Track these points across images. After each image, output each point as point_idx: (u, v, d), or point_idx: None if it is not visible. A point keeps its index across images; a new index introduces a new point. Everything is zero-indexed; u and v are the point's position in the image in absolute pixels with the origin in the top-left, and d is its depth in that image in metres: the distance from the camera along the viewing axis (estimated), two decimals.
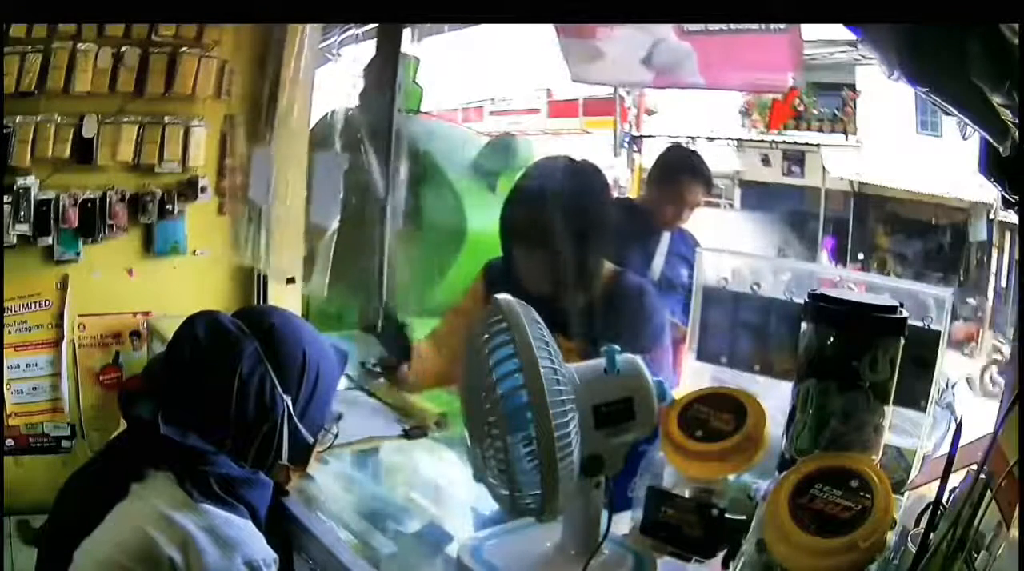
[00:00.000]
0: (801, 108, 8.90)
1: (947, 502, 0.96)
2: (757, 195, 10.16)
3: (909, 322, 1.13)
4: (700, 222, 2.93)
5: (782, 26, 2.16)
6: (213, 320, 1.39)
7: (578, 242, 1.72)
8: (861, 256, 9.45)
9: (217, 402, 1.31)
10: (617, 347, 1.18)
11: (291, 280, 3.13)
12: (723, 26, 2.31)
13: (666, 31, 2.46)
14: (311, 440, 1.41)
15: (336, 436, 1.55)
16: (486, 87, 10.01)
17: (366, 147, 2.94)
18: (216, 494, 1.26)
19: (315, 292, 3.01)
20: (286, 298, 3.11)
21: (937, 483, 0.95)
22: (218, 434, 1.31)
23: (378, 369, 2.00)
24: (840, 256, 9.35)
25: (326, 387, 1.42)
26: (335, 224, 2.93)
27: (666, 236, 2.78)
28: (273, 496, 1.41)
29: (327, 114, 3.41)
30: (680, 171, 2.80)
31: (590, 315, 1.73)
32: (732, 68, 2.46)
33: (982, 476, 0.93)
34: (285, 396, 1.34)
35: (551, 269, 1.72)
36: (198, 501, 1.24)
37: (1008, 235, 7.55)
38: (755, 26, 2.22)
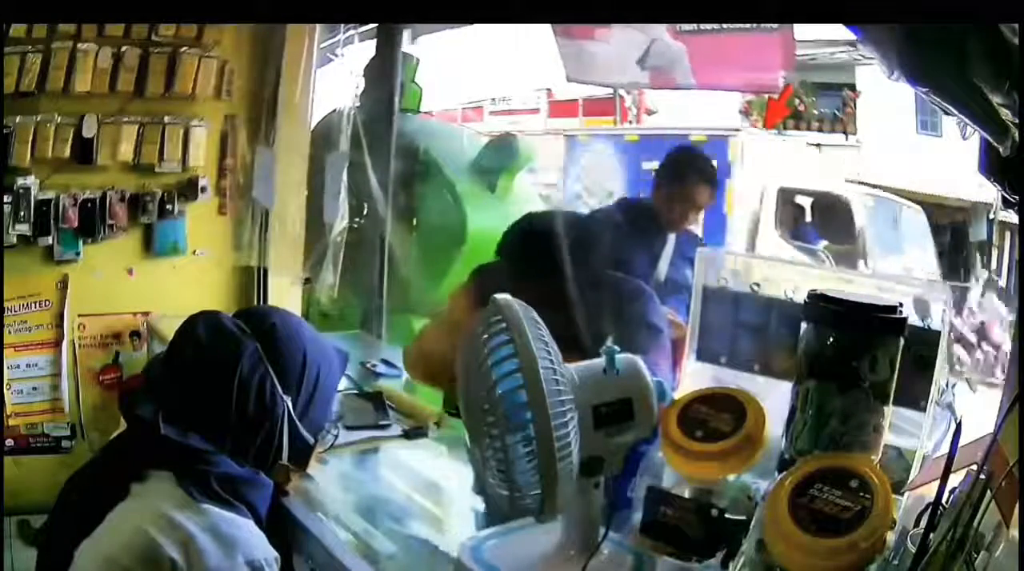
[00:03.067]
0: (801, 108, 8.91)
1: (947, 502, 0.95)
2: None
3: (909, 322, 1.12)
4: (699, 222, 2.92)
5: (774, 25, 2.16)
6: (214, 320, 1.39)
7: (585, 289, 1.71)
8: None
9: (217, 402, 1.31)
10: (616, 347, 1.17)
11: (307, 281, 3.13)
12: (715, 25, 2.31)
13: (660, 31, 2.45)
14: (311, 440, 1.41)
15: (337, 436, 1.54)
16: (486, 87, 10.00)
17: (367, 147, 2.94)
18: (217, 493, 1.26)
19: (326, 292, 3.01)
20: (287, 298, 3.11)
21: (937, 483, 0.95)
22: (218, 434, 1.31)
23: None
24: None
25: (326, 388, 1.42)
26: (341, 223, 2.93)
27: (671, 238, 2.77)
28: (273, 496, 1.41)
29: (328, 114, 3.41)
30: (688, 172, 2.79)
31: (591, 322, 1.72)
32: (724, 68, 2.45)
33: (982, 476, 0.93)
34: (285, 396, 1.34)
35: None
36: (199, 501, 1.24)
37: (1008, 235, 7.55)
38: (747, 25, 2.22)
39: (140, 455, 1.29)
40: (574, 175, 8.60)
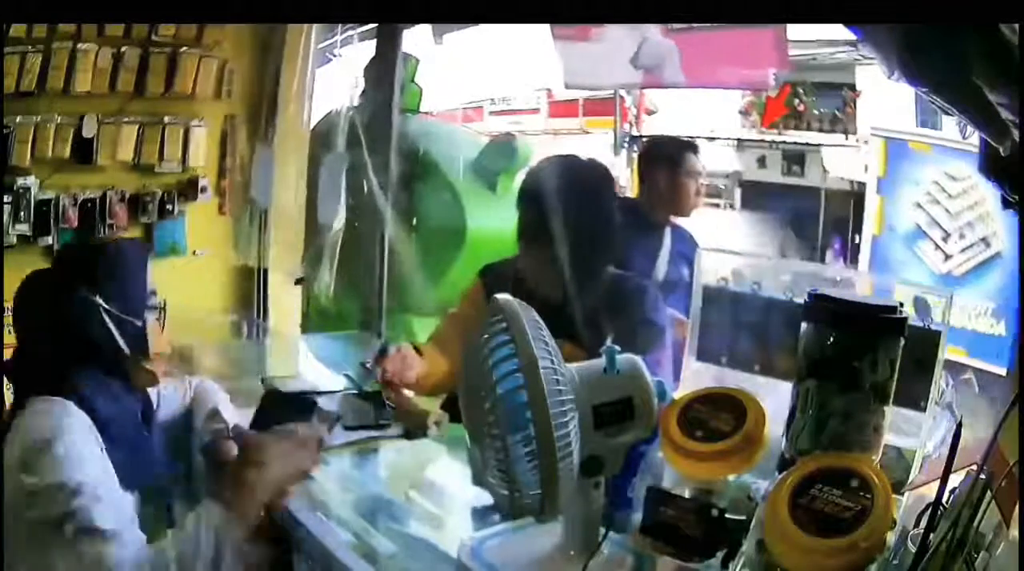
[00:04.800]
0: (801, 108, 8.86)
1: (947, 502, 0.95)
2: (757, 195, 10.10)
3: (909, 322, 1.12)
4: (700, 222, 2.90)
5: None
6: (27, 280, 1.41)
7: (583, 243, 1.73)
8: None
9: (45, 344, 1.35)
10: (617, 347, 1.17)
11: (300, 280, 3.13)
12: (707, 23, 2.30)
13: (651, 29, 2.45)
14: (139, 323, 1.42)
15: (163, 309, 1.50)
16: (486, 87, 10.00)
17: (366, 147, 2.94)
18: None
19: (321, 291, 3.00)
20: (287, 298, 3.11)
21: (937, 483, 0.94)
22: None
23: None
24: (843, 256, 9.26)
25: (131, 272, 1.43)
26: (340, 223, 2.93)
27: (668, 236, 2.76)
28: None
29: (328, 114, 3.41)
30: (670, 162, 2.76)
31: (594, 319, 1.73)
32: (716, 65, 2.45)
33: (982, 476, 0.93)
34: (95, 297, 1.36)
35: (556, 269, 1.73)
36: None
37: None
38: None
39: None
40: (907, 199, 5.15)
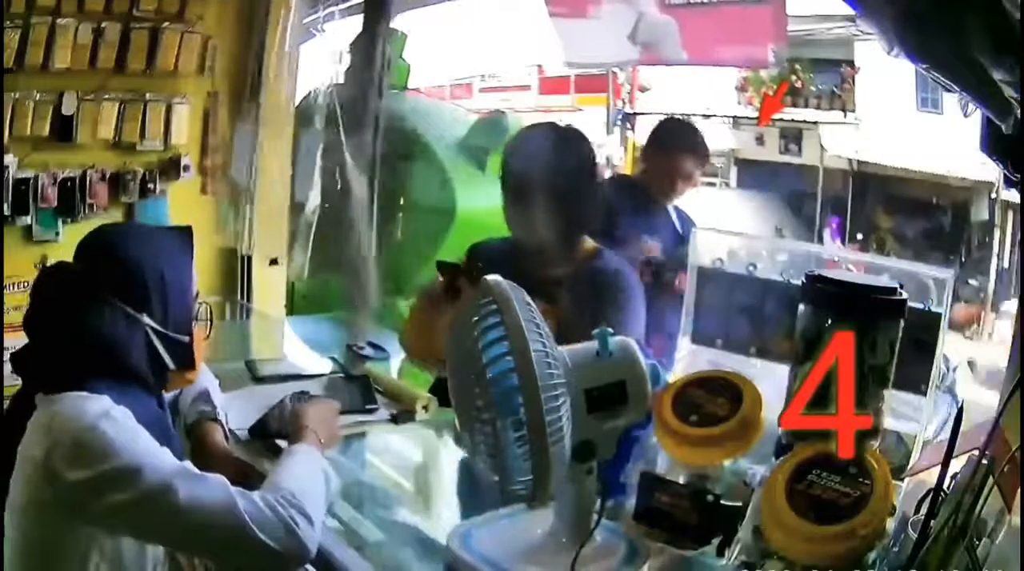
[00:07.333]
0: (799, 85, 8.81)
1: (948, 488, 0.94)
2: (754, 174, 10.07)
3: (909, 304, 1.10)
4: (695, 201, 2.87)
5: None
6: (60, 280, 1.29)
7: (563, 201, 1.75)
8: (860, 236, 9.37)
9: (77, 354, 1.25)
10: (610, 329, 1.15)
11: (274, 261, 3.09)
12: None
13: (647, 4, 2.42)
14: (186, 339, 1.34)
15: (209, 312, 1.44)
16: (475, 63, 9.92)
17: (352, 125, 2.89)
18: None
19: (295, 273, 2.97)
20: (271, 279, 3.07)
21: (938, 469, 0.93)
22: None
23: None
24: (840, 236, 9.29)
25: (179, 285, 1.33)
26: (315, 203, 2.88)
27: (673, 216, 2.73)
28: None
29: (312, 91, 3.35)
30: (672, 143, 2.73)
31: (571, 288, 1.74)
32: (715, 42, 2.42)
33: (984, 462, 0.91)
34: (141, 316, 1.27)
35: (540, 231, 1.75)
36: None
37: (1010, 214, 7.49)
38: None
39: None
40: None
